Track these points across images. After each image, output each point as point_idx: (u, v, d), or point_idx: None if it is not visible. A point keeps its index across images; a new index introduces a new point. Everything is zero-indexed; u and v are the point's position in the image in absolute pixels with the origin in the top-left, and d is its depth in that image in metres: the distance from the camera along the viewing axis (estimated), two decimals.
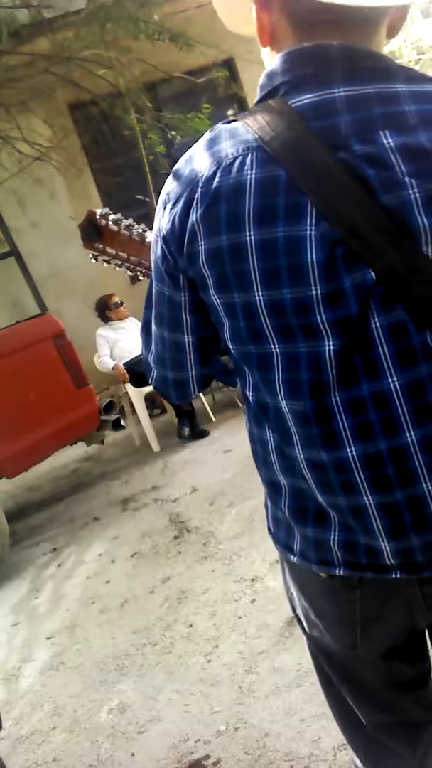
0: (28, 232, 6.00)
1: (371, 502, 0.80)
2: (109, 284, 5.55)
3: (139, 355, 5.11)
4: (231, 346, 0.85)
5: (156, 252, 0.87)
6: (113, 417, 5.24)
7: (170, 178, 0.84)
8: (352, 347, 0.76)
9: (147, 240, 1.14)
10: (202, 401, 5.15)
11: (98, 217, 1.14)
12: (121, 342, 5.19)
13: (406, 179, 0.71)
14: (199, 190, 0.78)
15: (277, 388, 0.81)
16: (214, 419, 5.07)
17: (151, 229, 1.15)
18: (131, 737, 2.08)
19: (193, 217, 0.79)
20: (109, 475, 4.77)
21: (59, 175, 5.94)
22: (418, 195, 0.71)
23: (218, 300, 0.81)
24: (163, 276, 0.87)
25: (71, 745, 2.15)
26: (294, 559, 0.91)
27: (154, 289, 0.91)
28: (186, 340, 0.90)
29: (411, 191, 0.71)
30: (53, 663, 2.66)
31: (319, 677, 1.07)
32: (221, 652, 2.32)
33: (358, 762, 1.12)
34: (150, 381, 1.01)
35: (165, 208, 0.83)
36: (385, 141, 0.72)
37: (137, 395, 4.97)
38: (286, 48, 0.79)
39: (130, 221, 1.16)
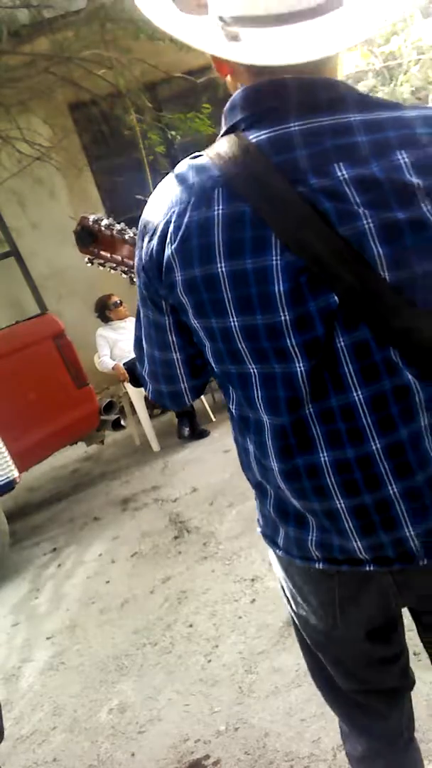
0: (28, 232, 6.00)
1: (342, 505, 0.87)
2: (108, 284, 5.54)
3: None
4: (213, 366, 0.90)
5: (139, 280, 0.93)
6: (113, 417, 5.25)
7: (146, 211, 0.90)
8: (321, 365, 0.81)
9: None
10: (202, 401, 5.15)
11: (91, 222, 1.18)
12: (121, 342, 5.19)
13: (360, 210, 0.76)
14: (172, 224, 0.83)
15: (258, 404, 0.87)
16: (214, 419, 5.07)
17: None
18: (131, 737, 2.08)
19: (168, 250, 0.84)
20: (109, 475, 4.77)
21: (59, 175, 5.94)
22: (371, 225, 0.76)
23: (198, 324, 0.87)
24: (147, 302, 0.93)
25: (71, 745, 2.15)
26: (279, 553, 0.99)
27: (141, 313, 0.96)
28: (175, 357, 0.96)
29: (365, 222, 0.76)
30: (53, 663, 2.66)
31: (301, 646, 1.15)
32: (221, 652, 2.32)
33: (343, 727, 1.20)
34: (146, 393, 1.07)
35: (143, 240, 0.89)
36: (339, 173, 0.76)
37: (137, 395, 4.97)
38: (243, 81, 0.82)
39: (122, 225, 1.20)
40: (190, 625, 2.55)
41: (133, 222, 1.25)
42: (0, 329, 4.47)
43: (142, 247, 0.89)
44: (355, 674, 1.07)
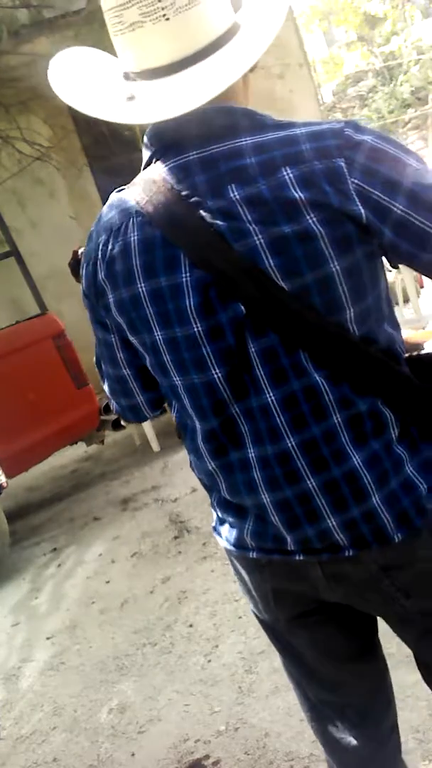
0: (28, 232, 6.00)
1: (268, 499, 0.92)
2: None
3: None
4: (155, 377, 0.98)
5: (85, 303, 1.00)
6: (113, 417, 5.24)
7: (87, 240, 0.97)
8: (239, 369, 0.88)
9: None
10: None
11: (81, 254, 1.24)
12: None
13: (251, 227, 0.82)
14: (100, 252, 0.92)
15: (189, 411, 0.93)
16: None
17: None
18: (131, 737, 2.08)
19: (100, 275, 0.93)
20: (109, 475, 4.77)
21: (59, 175, 5.94)
22: (262, 240, 0.82)
23: (134, 340, 0.94)
24: (95, 323, 1.01)
25: (71, 745, 2.15)
26: (221, 542, 1.04)
27: (94, 333, 1.04)
28: (125, 373, 1.03)
29: (256, 238, 0.82)
30: (53, 663, 2.66)
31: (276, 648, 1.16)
32: (221, 652, 2.32)
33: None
34: (112, 409, 1.14)
35: (83, 267, 0.97)
36: (232, 194, 0.83)
37: None
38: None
39: None
40: (190, 625, 2.55)
41: None
42: (0, 329, 4.46)
43: (83, 275, 0.97)
44: (318, 671, 1.06)
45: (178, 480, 4.14)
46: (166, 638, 2.52)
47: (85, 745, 2.13)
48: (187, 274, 0.85)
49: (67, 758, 2.10)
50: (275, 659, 2.16)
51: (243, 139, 0.84)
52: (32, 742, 2.24)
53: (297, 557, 0.94)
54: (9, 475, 4.06)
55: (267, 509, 0.92)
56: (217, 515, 1.04)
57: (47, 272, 6.07)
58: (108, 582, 3.17)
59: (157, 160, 0.89)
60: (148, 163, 0.91)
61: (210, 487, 1.01)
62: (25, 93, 5.28)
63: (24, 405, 4.08)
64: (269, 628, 1.09)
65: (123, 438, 5.53)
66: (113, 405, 1.12)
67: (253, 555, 0.98)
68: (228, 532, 1.01)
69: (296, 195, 0.81)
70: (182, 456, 4.57)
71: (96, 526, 3.93)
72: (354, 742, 1.09)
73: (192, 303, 0.86)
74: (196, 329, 0.87)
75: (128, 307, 0.90)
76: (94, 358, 1.10)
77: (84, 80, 0.91)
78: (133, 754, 2.01)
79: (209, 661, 2.30)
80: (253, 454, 0.91)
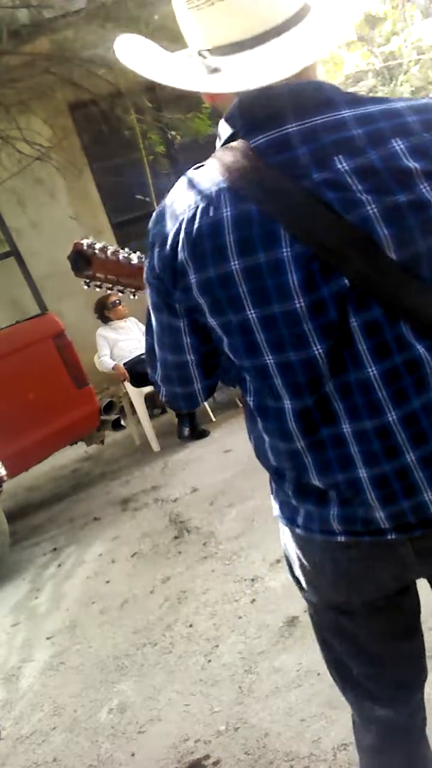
0: (28, 232, 5.99)
1: (365, 475, 0.90)
2: None
3: (140, 355, 5.12)
4: (232, 359, 0.95)
5: (151, 287, 0.97)
6: (113, 417, 5.25)
7: (154, 222, 0.95)
8: (338, 344, 0.86)
9: (133, 262, 1.26)
10: None
11: (85, 247, 1.22)
12: (121, 342, 5.19)
13: (364, 197, 0.82)
14: (183, 232, 0.89)
15: (279, 391, 0.91)
16: (214, 419, 5.07)
17: (134, 251, 1.28)
18: (131, 737, 2.08)
19: (181, 255, 0.89)
20: (109, 475, 4.77)
21: (59, 175, 5.93)
22: (376, 209, 0.82)
23: (214, 322, 0.91)
24: (161, 307, 0.97)
25: (71, 745, 2.15)
26: (298, 531, 1.01)
27: (153, 319, 1.00)
28: (189, 359, 1.00)
29: (369, 207, 0.82)
30: (53, 663, 2.66)
31: (315, 632, 1.16)
32: (221, 652, 2.32)
33: (354, 717, 1.21)
34: (160, 397, 1.11)
35: (153, 250, 0.94)
36: (340, 165, 0.83)
37: (137, 395, 4.97)
38: (233, 97, 0.88)
39: (114, 247, 1.26)
40: (190, 625, 2.55)
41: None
42: (0, 329, 4.46)
43: (153, 257, 0.94)
44: (366, 650, 1.08)
45: (178, 480, 4.14)
46: (166, 638, 2.52)
47: (85, 745, 2.13)
48: (288, 249, 0.84)
49: (67, 758, 2.10)
50: (275, 659, 2.16)
51: (343, 112, 0.84)
52: (32, 742, 2.23)
53: (389, 536, 0.93)
54: (9, 476, 4.06)
55: (362, 485, 0.91)
56: (288, 504, 1.01)
57: (47, 272, 6.06)
58: (108, 582, 3.17)
59: (245, 135, 0.87)
60: (230, 140, 0.89)
61: (285, 473, 0.98)
62: (25, 93, 5.28)
63: (24, 405, 4.08)
64: (333, 609, 1.07)
65: (123, 438, 5.53)
66: (163, 393, 1.08)
67: (340, 539, 0.96)
68: (307, 519, 0.98)
69: (410, 164, 0.82)
70: (182, 456, 4.58)
71: (96, 526, 3.93)
72: (390, 713, 1.14)
73: (295, 278, 0.84)
74: (298, 305, 0.85)
75: (215, 287, 0.88)
76: (145, 346, 1.07)
77: (157, 58, 0.90)
78: (133, 754, 2.01)
79: (209, 661, 2.30)
80: (348, 430, 0.89)
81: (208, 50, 0.85)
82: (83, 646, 2.71)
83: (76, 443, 4.85)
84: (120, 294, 1.29)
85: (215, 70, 0.85)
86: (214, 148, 0.94)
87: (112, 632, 2.72)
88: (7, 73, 5.01)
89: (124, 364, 5.02)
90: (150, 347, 1.05)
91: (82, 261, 1.23)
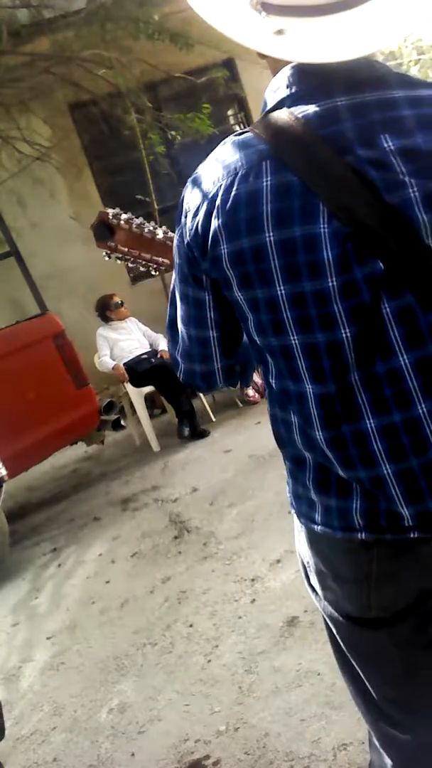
0: (28, 232, 5.99)
1: (389, 471, 0.87)
2: (109, 284, 5.55)
3: (140, 355, 5.12)
4: (256, 338, 0.91)
5: (180, 257, 0.94)
6: (113, 417, 5.25)
7: (189, 189, 0.92)
8: (367, 331, 0.83)
9: (157, 237, 1.22)
10: (202, 401, 5.15)
11: (110, 217, 1.19)
12: (121, 342, 5.19)
13: (407, 179, 0.78)
14: (219, 198, 0.86)
15: (302, 374, 0.88)
16: (214, 419, 5.07)
17: (159, 226, 1.23)
18: (131, 737, 2.08)
19: (215, 223, 0.86)
20: (109, 475, 4.77)
21: (59, 175, 5.93)
22: (417, 193, 0.78)
23: (242, 297, 0.88)
24: (187, 278, 0.94)
25: (71, 745, 2.15)
26: (317, 528, 0.96)
27: (178, 291, 0.98)
28: (211, 335, 0.97)
29: (411, 190, 0.78)
30: (53, 663, 2.66)
31: (334, 649, 1.11)
32: (221, 652, 2.32)
33: (372, 739, 1.15)
34: (178, 374, 1.08)
35: (186, 216, 0.91)
36: (386, 144, 0.79)
37: (137, 395, 4.97)
38: (285, 62, 0.84)
39: (140, 220, 1.22)
40: (190, 625, 2.54)
41: None
42: (0, 329, 4.46)
43: (184, 225, 0.91)
44: (388, 668, 1.02)
45: (178, 480, 4.14)
46: (166, 638, 2.52)
47: (85, 745, 2.13)
48: (326, 225, 0.80)
49: (67, 758, 2.10)
50: (275, 659, 2.16)
51: (395, 92, 0.81)
52: (32, 742, 2.23)
53: (412, 534, 0.89)
54: (9, 476, 4.06)
55: (386, 481, 0.87)
56: (306, 498, 0.97)
57: (47, 272, 6.07)
58: (108, 582, 3.17)
59: (293, 103, 0.84)
60: (278, 107, 0.85)
61: (307, 459, 0.94)
62: (25, 93, 5.28)
63: (24, 405, 4.08)
64: (351, 620, 1.01)
65: (123, 438, 5.53)
66: (181, 370, 1.05)
67: (361, 536, 0.91)
68: (326, 516, 0.94)
69: None
70: (182, 456, 4.58)
71: (96, 526, 3.93)
72: (413, 737, 1.07)
73: (330, 256, 0.81)
74: (330, 284, 0.82)
75: (246, 259, 0.85)
76: (167, 320, 1.04)
77: (222, 3, 0.83)
78: (133, 754, 2.01)
79: (209, 661, 2.30)
80: (371, 425, 0.86)
81: (277, 6, 0.79)
82: (83, 646, 2.71)
83: (76, 443, 4.85)
84: (142, 268, 1.25)
85: (280, 32, 0.79)
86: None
87: (112, 632, 2.72)
88: (7, 73, 5.01)
89: (124, 365, 5.02)
90: (172, 321, 1.03)
91: (105, 231, 1.20)
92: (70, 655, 2.67)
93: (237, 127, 6.48)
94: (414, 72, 5.96)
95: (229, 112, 6.96)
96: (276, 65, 0.87)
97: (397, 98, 0.81)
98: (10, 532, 3.90)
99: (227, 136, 0.92)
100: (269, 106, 0.87)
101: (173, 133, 5.88)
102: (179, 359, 1.04)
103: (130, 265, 1.25)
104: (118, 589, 3.06)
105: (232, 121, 6.88)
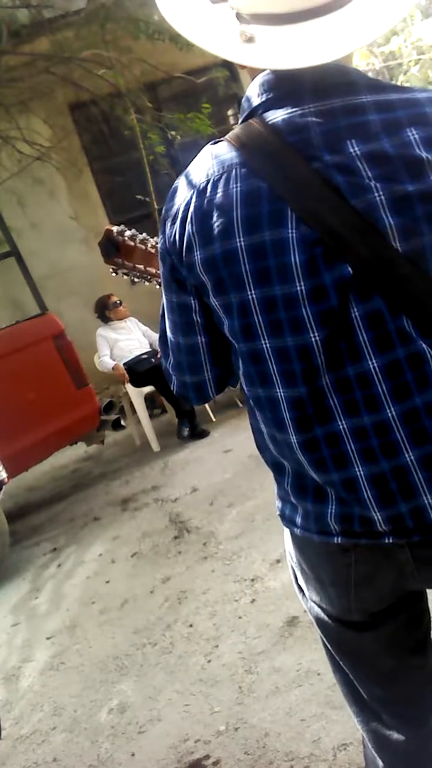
0: (28, 232, 5.99)
1: (361, 473, 0.87)
2: (109, 284, 5.54)
3: (140, 355, 5.13)
4: (232, 343, 0.93)
5: (164, 267, 0.96)
6: (113, 417, 5.25)
7: (168, 197, 0.94)
8: (337, 335, 0.84)
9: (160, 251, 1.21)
10: None
11: (115, 233, 1.21)
12: (121, 342, 5.19)
13: (372, 183, 0.80)
14: (193, 205, 0.88)
15: (274, 378, 0.89)
16: (214, 419, 5.07)
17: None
18: (131, 737, 2.08)
19: (189, 229, 0.88)
20: (109, 475, 4.77)
21: (59, 175, 5.93)
22: (383, 197, 0.79)
23: (217, 302, 0.89)
24: (170, 283, 0.96)
25: (71, 745, 2.15)
26: (297, 531, 0.98)
27: (165, 300, 0.99)
28: (199, 341, 0.98)
29: (376, 194, 0.80)
30: (53, 663, 2.66)
31: (325, 650, 1.11)
32: (221, 652, 2.32)
33: (365, 740, 1.16)
34: (172, 388, 1.08)
35: (166, 224, 0.93)
36: (351, 150, 0.80)
37: (137, 395, 4.97)
38: (261, 69, 0.86)
39: (144, 235, 1.24)
40: (190, 625, 2.55)
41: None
42: (0, 329, 4.46)
43: (165, 232, 0.93)
44: (374, 668, 1.04)
45: (178, 480, 4.15)
46: (166, 638, 2.52)
47: (85, 745, 2.13)
48: (293, 230, 0.82)
49: (67, 758, 2.10)
50: (275, 659, 2.16)
51: (363, 97, 0.82)
52: (32, 742, 2.23)
53: (386, 540, 0.89)
54: (9, 476, 4.06)
55: (359, 484, 0.87)
56: (288, 502, 0.98)
57: (47, 272, 6.07)
58: (108, 582, 3.17)
59: (265, 111, 0.85)
60: (251, 115, 0.87)
61: (284, 466, 0.95)
62: (25, 93, 5.28)
63: (24, 405, 4.08)
64: (336, 622, 1.02)
65: (123, 438, 5.53)
66: (174, 384, 1.06)
67: (337, 540, 0.93)
68: (305, 519, 0.95)
69: (422, 155, 0.79)
70: (182, 456, 4.58)
71: (96, 526, 3.93)
72: (403, 737, 1.08)
73: (297, 260, 0.82)
74: (298, 288, 0.83)
75: (219, 264, 0.86)
76: (159, 333, 1.05)
77: (197, 12, 0.86)
78: (133, 754, 2.01)
79: (209, 661, 2.30)
80: (344, 426, 0.86)
81: (249, 14, 0.81)
82: (83, 646, 2.71)
83: (76, 443, 4.86)
84: (147, 283, 1.26)
85: (250, 39, 0.81)
86: None
87: (112, 632, 2.72)
88: (7, 73, 5.01)
89: (124, 364, 5.02)
90: (162, 332, 1.03)
91: (111, 247, 1.21)
92: (70, 655, 2.67)
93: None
94: (414, 72, 5.95)
95: (229, 112, 6.96)
96: (254, 73, 0.89)
97: (365, 103, 0.82)
98: (10, 532, 3.90)
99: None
100: (243, 115, 0.89)
101: (173, 133, 5.88)
102: (171, 371, 1.05)
103: (135, 280, 1.27)
104: (118, 589, 3.06)
105: (232, 121, 6.88)
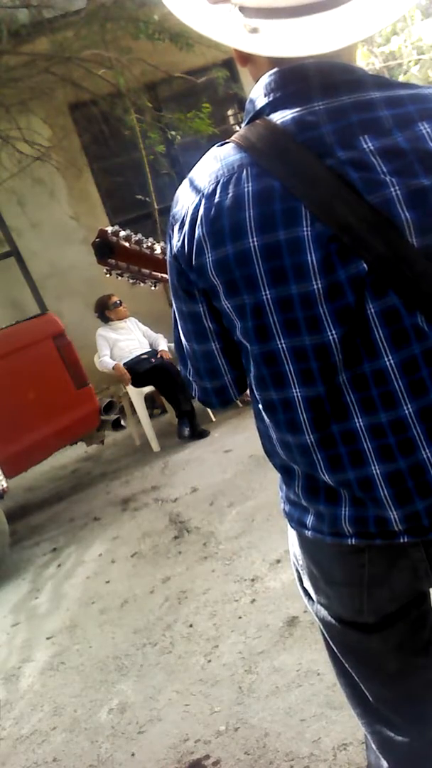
0: (28, 232, 6.00)
1: (378, 471, 0.87)
2: (109, 284, 5.52)
3: (140, 355, 5.13)
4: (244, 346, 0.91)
5: (171, 271, 0.95)
6: (113, 417, 5.25)
7: (175, 201, 0.93)
8: (353, 332, 0.83)
9: (156, 252, 1.24)
10: None
11: (109, 234, 1.21)
12: (121, 342, 5.19)
13: (387, 178, 0.79)
14: (202, 207, 0.87)
15: (290, 378, 0.88)
16: (214, 419, 5.07)
17: (157, 240, 1.26)
18: (131, 737, 2.08)
19: (199, 232, 0.87)
20: (109, 475, 4.77)
21: (59, 175, 5.93)
22: (399, 192, 0.79)
23: (229, 305, 0.89)
24: (179, 292, 0.95)
25: (71, 745, 2.15)
26: (308, 533, 0.97)
27: (175, 308, 0.98)
28: (214, 347, 0.97)
29: (392, 189, 0.79)
30: (53, 663, 2.66)
31: (329, 653, 1.11)
32: (221, 652, 2.32)
33: (369, 742, 1.15)
34: (193, 395, 1.08)
35: (173, 229, 0.92)
36: (365, 145, 0.80)
37: (137, 395, 4.97)
38: (264, 69, 0.86)
39: (139, 236, 1.24)
40: (190, 625, 2.55)
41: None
42: (0, 329, 4.47)
43: (172, 237, 0.92)
44: (382, 670, 1.03)
45: (178, 480, 4.15)
46: (166, 638, 2.52)
47: (85, 745, 2.13)
48: (308, 228, 0.81)
49: (67, 758, 2.10)
50: (275, 659, 2.16)
51: (372, 93, 0.82)
52: (32, 742, 2.23)
53: (401, 539, 0.89)
54: (9, 476, 4.06)
55: (375, 482, 0.87)
56: (298, 504, 0.97)
57: (47, 272, 6.07)
58: (108, 582, 3.17)
59: (271, 111, 0.85)
60: (256, 116, 0.87)
61: (294, 469, 0.94)
62: (25, 93, 5.28)
63: (24, 405, 4.08)
64: (344, 624, 1.01)
65: (123, 438, 5.53)
66: (196, 391, 1.05)
67: (351, 541, 0.92)
68: (317, 521, 0.94)
69: None
70: (182, 456, 4.58)
71: (96, 526, 3.93)
72: (408, 738, 1.08)
73: (314, 258, 0.81)
74: (315, 286, 0.82)
75: (231, 266, 0.85)
76: (173, 343, 1.04)
77: (200, 5, 0.86)
78: (133, 754, 2.01)
79: (209, 661, 2.30)
80: (360, 424, 0.86)
81: (252, 8, 0.81)
82: (83, 646, 2.71)
83: (76, 443, 4.86)
84: (142, 284, 1.27)
85: (254, 30, 0.81)
86: None
87: (112, 632, 2.72)
88: (7, 73, 5.01)
89: (124, 364, 5.01)
90: (177, 342, 1.03)
91: (105, 248, 1.21)
92: (70, 655, 2.67)
93: (237, 127, 6.46)
94: (414, 72, 5.95)
95: (229, 112, 6.96)
96: (257, 73, 0.88)
97: (375, 99, 0.82)
98: (10, 532, 3.90)
99: (226, 137, 0.93)
100: (249, 116, 0.88)
101: (173, 133, 5.88)
102: (191, 378, 1.04)
103: (130, 280, 1.27)
104: (118, 589, 3.06)
105: (232, 121, 6.88)
